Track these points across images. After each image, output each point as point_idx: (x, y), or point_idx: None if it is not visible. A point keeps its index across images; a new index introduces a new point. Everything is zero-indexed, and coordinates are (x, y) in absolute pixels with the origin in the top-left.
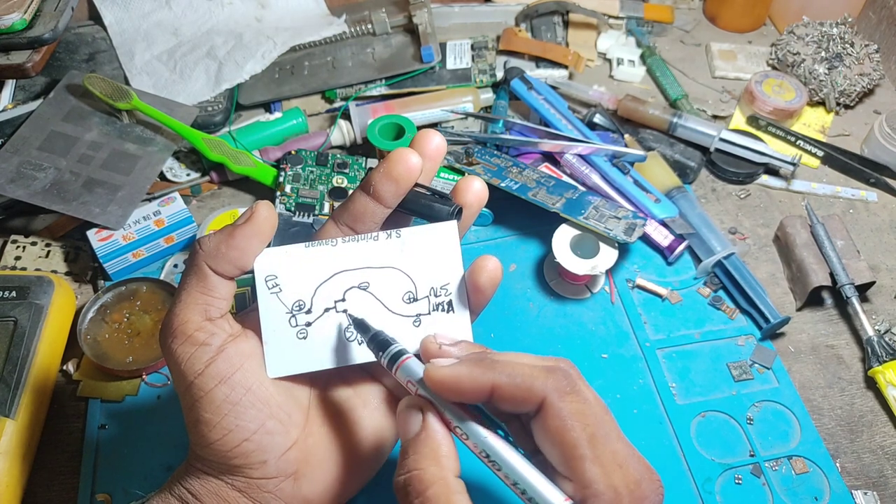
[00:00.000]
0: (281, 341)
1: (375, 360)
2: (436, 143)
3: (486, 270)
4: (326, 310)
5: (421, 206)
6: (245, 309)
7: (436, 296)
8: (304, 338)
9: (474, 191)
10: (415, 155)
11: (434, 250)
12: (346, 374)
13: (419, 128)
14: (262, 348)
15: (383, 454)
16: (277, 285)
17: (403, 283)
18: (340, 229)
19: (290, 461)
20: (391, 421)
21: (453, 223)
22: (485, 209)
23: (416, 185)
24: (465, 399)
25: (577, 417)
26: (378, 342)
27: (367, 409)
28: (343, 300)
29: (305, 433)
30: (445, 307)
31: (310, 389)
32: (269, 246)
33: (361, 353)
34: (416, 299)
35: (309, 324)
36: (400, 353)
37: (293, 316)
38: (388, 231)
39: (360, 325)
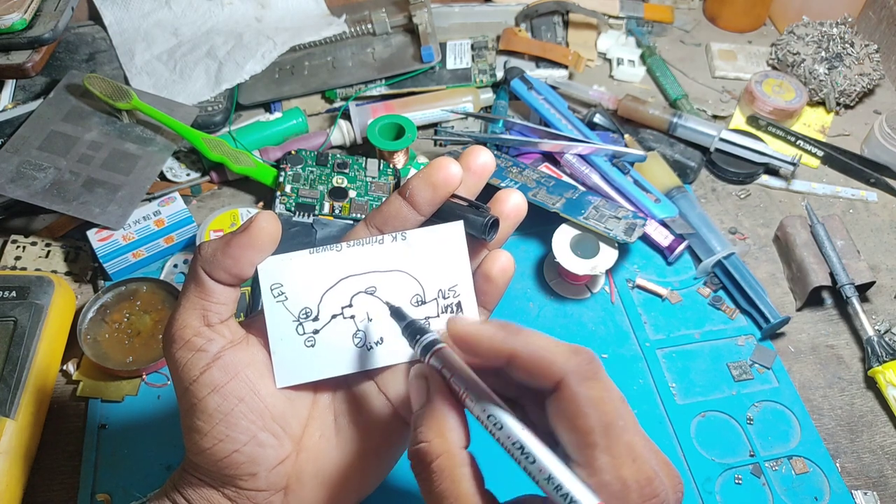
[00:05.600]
0: (289, 350)
1: (386, 364)
2: (483, 159)
3: (498, 262)
4: (334, 316)
5: (455, 217)
6: (245, 310)
7: (444, 297)
8: (313, 346)
9: (513, 204)
10: (455, 165)
11: (441, 252)
12: (354, 392)
13: (419, 128)
14: (268, 357)
15: (379, 477)
16: (283, 293)
17: (411, 285)
18: (370, 232)
19: (280, 475)
20: (391, 444)
21: (460, 223)
22: None
23: (454, 195)
24: (482, 359)
25: (594, 404)
26: (412, 329)
27: (371, 429)
28: (350, 306)
29: (299, 448)
30: (454, 308)
31: (312, 403)
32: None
33: (371, 359)
34: (424, 302)
35: (316, 331)
36: (434, 342)
37: (300, 324)
38: (394, 234)
39: (397, 313)
